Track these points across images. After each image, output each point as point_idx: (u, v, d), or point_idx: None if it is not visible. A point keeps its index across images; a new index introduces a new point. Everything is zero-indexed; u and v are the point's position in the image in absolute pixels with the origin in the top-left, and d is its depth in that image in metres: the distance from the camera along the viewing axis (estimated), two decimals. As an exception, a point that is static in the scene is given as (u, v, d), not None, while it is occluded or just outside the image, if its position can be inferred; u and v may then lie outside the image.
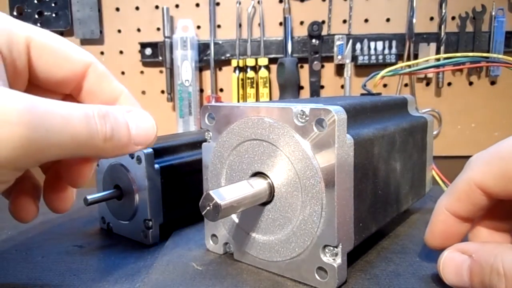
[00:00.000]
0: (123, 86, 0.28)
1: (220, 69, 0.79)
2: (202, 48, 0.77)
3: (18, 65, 0.24)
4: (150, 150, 0.36)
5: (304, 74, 0.77)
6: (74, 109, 0.21)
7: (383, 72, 0.44)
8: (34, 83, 0.26)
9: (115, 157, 0.24)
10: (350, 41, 0.74)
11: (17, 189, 0.26)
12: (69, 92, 0.27)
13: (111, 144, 0.22)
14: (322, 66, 0.76)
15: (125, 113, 0.24)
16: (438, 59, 0.47)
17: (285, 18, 0.74)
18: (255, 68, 0.76)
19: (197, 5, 0.78)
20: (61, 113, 0.20)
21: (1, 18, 0.23)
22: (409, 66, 0.48)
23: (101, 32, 0.79)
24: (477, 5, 0.72)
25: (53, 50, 0.25)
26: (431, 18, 0.74)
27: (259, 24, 0.76)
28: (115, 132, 0.22)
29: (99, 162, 0.39)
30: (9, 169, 0.19)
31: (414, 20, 0.73)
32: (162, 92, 0.80)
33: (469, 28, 0.73)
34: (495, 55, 0.50)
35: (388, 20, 0.75)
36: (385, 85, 0.76)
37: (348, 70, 0.74)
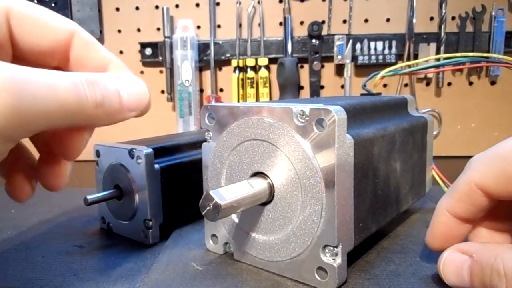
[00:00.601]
0: (112, 54, 0.27)
1: (220, 69, 0.79)
2: (202, 48, 0.77)
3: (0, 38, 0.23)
4: (150, 150, 0.36)
5: (304, 74, 0.77)
6: (61, 77, 0.20)
7: (383, 72, 0.44)
8: (19, 57, 0.25)
9: (109, 124, 0.23)
10: (350, 41, 0.73)
11: (13, 168, 0.26)
12: (56, 63, 0.27)
13: (102, 110, 0.22)
14: (322, 66, 0.76)
15: (115, 79, 0.23)
16: (438, 59, 0.47)
17: (285, 18, 0.74)
18: (255, 68, 0.76)
19: (197, 5, 0.78)
20: (47, 81, 0.19)
21: None
22: (409, 66, 0.48)
23: (101, 32, 0.79)
24: (477, 5, 0.72)
25: (33, 19, 0.25)
26: (431, 18, 0.74)
27: (259, 24, 0.76)
28: (105, 99, 0.22)
29: (99, 162, 0.39)
30: None
31: (414, 20, 0.73)
32: (162, 92, 0.80)
33: (469, 28, 0.73)
34: (495, 55, 0.50)
35: (388, 20, 0.75)
36: (385, 85, 0.76)
37: (348, 70, 0.74)
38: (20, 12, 0.24)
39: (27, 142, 0.27)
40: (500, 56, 0.44)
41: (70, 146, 0.25)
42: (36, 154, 0.28)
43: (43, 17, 0.25)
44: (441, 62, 0.45)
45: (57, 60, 0.26)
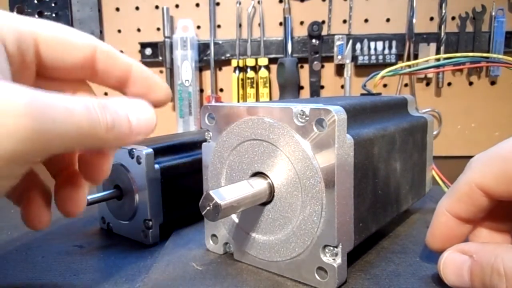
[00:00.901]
0: (132, 59, 0.28)
1: (220, 69, 0.79)
2: (202, 48, 0.77)
3: (26, 60, 0.24)
4: (150, 150, 0.36)
5: (304, 74, 0.77)
6: (75, 100, 0.21)
7: (383, 72, 0.44)
8: (42, 74, 0.26)
9: (119, 147, 0.25)
10: (350, 41, 0.74)
11: (28, 196, 0.27)
12: (84, 76, 0.28)
13: (113, 134, 0.22)
14: (322, 66, 0.76)
15: (125, 103, 0.24)
16: (438, 59, 0.47)
17: (285, 18, 0.74)
18: (255, 68, 0.76)
19: (197, 5, 0.78)
20: (64, 105, 0.20)
21: (9, 16, 0.24)
22: (409, 66, 0.48)
23: (101, 32, 0.79)
24: (477, 5, 0.72)
25: (58, 40, 0.26)
26: (431, 18, 0.74)
27: (259, 24, 0.76)
28: (116, 122, 0.23)
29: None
30: (17, 162, 0.19)
31: (414, 20, 0.73)
32: (162, 92, 0.80)
33: (469, 28, 0.73)
34: (495, 55, 0.50)
35: (388, 20, 0.75)
36: (385, 85, 0.76)
37: (348, 70, 0.74)
38: (47, 35, 0.25)
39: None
40: (500, 56, 0.44)
41: (98, 169, 0.26)
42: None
43: (67, 37, 0.26)
44: (441, 62, 0.45)
45: (84, 74, 0.27)
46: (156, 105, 0.28)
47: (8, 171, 0.20)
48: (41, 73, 0.26)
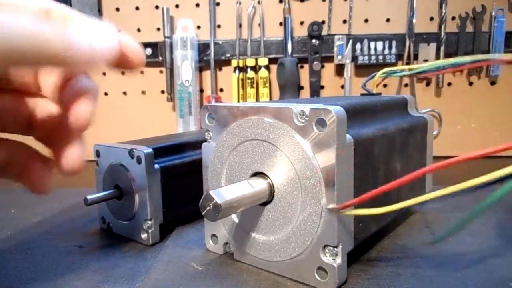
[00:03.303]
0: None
1: (220, 69, 0.79)
2: (202, 48, 0.77)
3: None
4: (150, 150, 0.36)
5: (304, 74, 0.77)
6: (22, 8, 0.20)
7: (383, 71, 0.44)
8: None
9: (84, 69, 0.24)
10: (350, 41, 0.74)
11: (28, 166, 0.27)
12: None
13: (71, 52, 0.21)
14: (322, 66, 0.76)
15: (83, 20, 0.23)
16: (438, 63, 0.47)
17: (285, 18, 0.74)
18: (255, 68, 0.76)
19: (197, 5, 0.78)
20: (8, 15, 0.20)
21: None
22: (410, 67, 0.48)
23: (101, 32, 0.79)
24: (477, 5, 0.72)
25: None
26: (431, 18, 0.74)
27: (259, 24, 0.76)
28: (72, 35, 0.21)
29: (99, 162, 0.39)
30: None
31: (414, 20, 0.73)
32: (162, 92, 0.80)
33: (469, 28, 0.73)
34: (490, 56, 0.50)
35: (388, 20, 0.75)
36: (385, 85, 0.76)
37: (348, 70, 0.74)
38: None
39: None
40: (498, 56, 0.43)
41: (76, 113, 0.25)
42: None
43: None
44: (441, 64, 0.44)
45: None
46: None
47: None
48: None
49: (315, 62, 0.75)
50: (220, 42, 0.77)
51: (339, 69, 0.76)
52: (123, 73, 0.80)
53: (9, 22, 0.19)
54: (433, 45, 0.73)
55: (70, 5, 0.76)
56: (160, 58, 0.78)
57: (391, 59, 0.73)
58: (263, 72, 0.75)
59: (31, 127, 0.28)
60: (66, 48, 0.21)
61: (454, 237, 0.36)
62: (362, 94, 0.45)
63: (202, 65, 0.79)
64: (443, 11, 0.72)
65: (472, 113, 0.76)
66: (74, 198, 0.47)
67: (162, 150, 0.38)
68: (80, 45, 0.22)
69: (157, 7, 0.78)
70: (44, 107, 0.27)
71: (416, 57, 0.74)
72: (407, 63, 0.73)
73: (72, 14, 0.23)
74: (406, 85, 0.77)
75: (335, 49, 0.74)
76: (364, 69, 0.75)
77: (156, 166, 0.36)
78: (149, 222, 0.36)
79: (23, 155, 0.27)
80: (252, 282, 0.29)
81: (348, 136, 0.27)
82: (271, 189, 0.29)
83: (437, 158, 0.45)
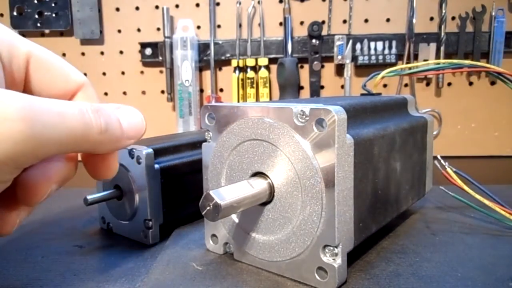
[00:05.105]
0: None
1: (220, 69, 0.79)
2: (202, 48, 0.77)
3: (16, 78, 0.25)
4: (150, 150, 0.36)
5: (304, 74, 0.77)
6: (69, 105, 0.22)
7: (384, 73, 0.44)
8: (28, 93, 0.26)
9: (111, 151, 0.25)
10: (350, 41, 0.74)
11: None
12: None
13: (105, 137, 0.23)
14: (322, 66, 0.76)
15: (115, 109, 0.25)
16: (438, 63, 0.46)
17: (285, 18, 0.74)
18: (255, 68, 0.76)
19: (197, 5, 0.78)
20: (57, 110, 0.21)
21: (4, 30, 0.24)
22: (409, 68, 0.48)
23: (101, 32, 0.79)
24: (477, 5, 0.72)
25: (51, 67, 0.26)
26: (431, 18, 0.74)
27: (259, 24, 0.76)
28: (108, 126, 0.23)
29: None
30: (10, 166, 0.20)
31: (414, 20, 0.73)
32: (162, 92, 0.80)
33: (469, 28, 0.73)
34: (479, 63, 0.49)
35: (388, 20, 0.75)
36: (385, 85, 0.76)
37: (348, 70, 0.74)
38: (41, 58, 0.26)
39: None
40: (480, 63, 0.43)
41: (102, 168, 0.26)
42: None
43: (61, 67, 0.27)
44: (441, 65, 0.44)
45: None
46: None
47: (1, 176, 0.20)
48: (26, 92, 0.26)
49: (315, 62, 0.75)
50: (220, 42, 0.77)
51: (339, 69, 0.76)
52: (123, 73, 0.80)
53: (58, 121, 0.20)
54: (433, 45, 0.73)
55: (70, 5, 0.76)
56: (160, 58, 0.78)
57: (391, 59, 0.73)
58: (263, 72, 0.75)
59: None
60: (103, 134, 0.23)
61: (454, 237, 0.36)
62: (362, 94, 0.45)
63: (202, 65, 0.79)
64: (443, 11, 0.72)
65: (472, 113, 0.76)
66: (74, 198, 0.47)
67: (162, 150, 0.38)
68: (113, 132, 0.24)
69: (157, 7, 0.78)
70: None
71: (416, 57, 0.74)
72: (407, 63, 0.73)
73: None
74: (406, 85, 0.77)
75: (335, 49, 0.74)
76: (364, 69, 0.75)
77: (156, 166, 0.36)
78: (149, 222, 0.36)
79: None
80: (252, 282, 0.29)
81: (348, 136, 0.27)
82: (271, 189, 0.29)
83: (437, 158, 0.45)
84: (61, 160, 0.25)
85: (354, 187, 0.28)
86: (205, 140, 0.33)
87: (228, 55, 0.77)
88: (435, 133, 0.75)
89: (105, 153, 0.26)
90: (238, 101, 0.76)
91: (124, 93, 0.81)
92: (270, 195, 0.29)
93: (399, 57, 0.74)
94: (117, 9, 0.79)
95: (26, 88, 0.26)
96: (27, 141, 0.19)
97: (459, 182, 0.38)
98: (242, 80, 0.76)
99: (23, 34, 0.77)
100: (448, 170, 0.38)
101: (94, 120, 0.22)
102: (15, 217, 0.26)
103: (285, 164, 0.28)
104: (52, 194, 0.25)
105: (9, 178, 0.21)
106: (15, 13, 0.77)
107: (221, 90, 0.80)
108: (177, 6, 0.78)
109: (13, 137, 0.18)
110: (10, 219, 0.25)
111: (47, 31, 0.79)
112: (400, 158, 0.35)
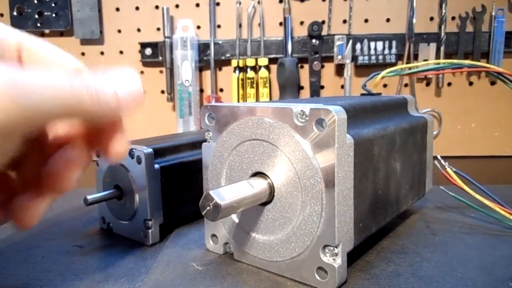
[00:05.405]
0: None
1: (220, 69, 0.79)
2: (202, 48, 0.77)
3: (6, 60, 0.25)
4: (150, 150, 0.36)
5: (304, 74, 0.77)
6: (57, 76, 0.21)
7: (383, 73, 0.44)
8: None
9: (109, 119, 0.25)
10: (350, 41, 0.74)
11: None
12: None
13: (99, 105, 0.23)
14: (322, 66, 0.76)
15: (110, 76, 0.25)
16: (438, 63, 0.46)
17: (285, 18, 0.74)
18: (255, 68, 0.76)
19: (197, 5, 0.78)
20: (43, 82, 0.21)
21: None
22: (409, 68, 0.48)
23: (101, 32, 0.79)
24: (477, 5, 0.72)
25: (43, 58, 0.26)
26: (431, 18, 0.74)
27: (259, 24, 0.76)
28: (101, 94, 0.23)
29: (99, 162, 0.39)
30: (5, 136, 0.20)
31: (414, 20, 0.73)
32: (162, 92, 0.80)
33: (469, 28, 0.73)
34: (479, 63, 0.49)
35: (388, 20, 0.75)
36: (385, 85, 0.76)
37: (348, 70, 0.74)
38: (32, 49, 0.26)
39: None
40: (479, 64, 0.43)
41: (109, 142, 0.26)
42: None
43: (54, 55, 0.26)
44: (441, 65, 0.44)
45: None
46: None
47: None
48: None
49: (315, 62, 0.75)
50: (220, 42, 0.77)
51: (339, 69, 0.76)
52: (123, 73, 0.80)
53: (49, 80, 0.21)
54: (433, 45, 0.73)
55: (70, 5, 0.76)
56: (160, 58, 0.78)
57: (391, 59, 0.73)
58: (263, 72, 0.75)
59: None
60: (96, 103, 0.22)
61: (454, 237, 0.36)
62: (362, 94, 0.45)
63: (202, 65, 0.79)
64: (443, 11, 0.72)
65: (472, 113, 0.76)
66: (74, 198, 0.47)
67: (162, 150, 0.38)
68: (107, 101, 0.23)
69: (157, 7, 0.78)
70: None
71: (416, 57, 0.74)
72: (407, 63, 0.73)
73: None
74: (406, 85, 0.77)
75: (335, 49, 0.74)
76: (364, 69, 0.75)
77: (156, 166, 0.36)
78: (149, 222, 0.36)
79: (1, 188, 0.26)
80: (252, 282, 0.29)
81: (348, 136, 0.27)
82: (271, 189, 0.29)
83: (437, 158, 0.45)
84: (77, 147, 0.25)
85: (354, 187, 0.28)
86: (205, 140, 0.33)
87: (228, 55, 0.77)
88: (435, 133, 0.75)
89: (105, 122, 0.25)
90: (238, 101, 0.76)
91: (124, 93, 0.81)
92: (270, 195, 0.29)
93: (399, 57, 0.74)
94: (117, 9, 0.79)
95: None
96: (18, 112, 0.19)
97: (459, 182, 0.38)
98: (242, 80, 0.76)
99: (23, 34, 0.77)
100: (448, 170, 0.38)
101: (84, 90, 0.22)
102: (40, 208, 0.26)
103: (285, 164, 0.28)
104: (76, 181, 0.25)
105: (7, 148, 0.21)
106: (15, 13, 0.77)
107: (221, 90, 0.80)
108: (177, 6, 0.78)
109: (4, 106, 0.18)
110: (35, 210, 0.26)
111: (47, 31, 0.79)
112: (400, 158, 0.35)
